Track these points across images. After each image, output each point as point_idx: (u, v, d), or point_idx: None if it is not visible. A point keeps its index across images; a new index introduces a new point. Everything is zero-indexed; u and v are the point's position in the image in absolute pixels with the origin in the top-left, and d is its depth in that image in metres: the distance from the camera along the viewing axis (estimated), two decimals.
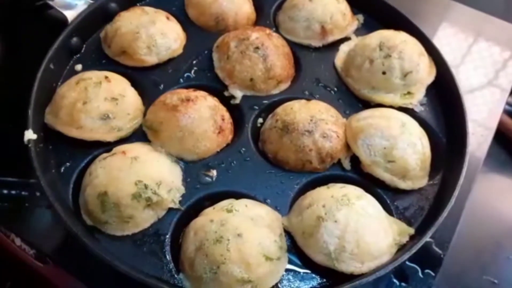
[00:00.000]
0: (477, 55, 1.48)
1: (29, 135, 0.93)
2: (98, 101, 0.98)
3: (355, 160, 1.02)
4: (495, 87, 1.40)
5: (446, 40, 1.50)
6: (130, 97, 1.03)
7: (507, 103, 1.53)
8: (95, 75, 1.03)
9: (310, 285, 0.88)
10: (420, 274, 1.00)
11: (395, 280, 0.99)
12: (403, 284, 0.99)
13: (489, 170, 1.39)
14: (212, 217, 0.86)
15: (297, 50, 1.21)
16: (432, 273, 1.00)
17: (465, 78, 1.40)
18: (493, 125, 1.30)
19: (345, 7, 1.26)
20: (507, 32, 1.54)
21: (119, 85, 1.03)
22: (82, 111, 0.97)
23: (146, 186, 0.88)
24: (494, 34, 1.53)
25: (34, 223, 1.03)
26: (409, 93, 1.11)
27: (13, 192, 1.07)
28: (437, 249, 1.03)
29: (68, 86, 1.01)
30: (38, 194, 1.04)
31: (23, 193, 1.07)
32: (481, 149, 1.25)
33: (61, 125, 0.98)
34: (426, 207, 1.00)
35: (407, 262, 0.99)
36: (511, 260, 1.18)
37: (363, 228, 0.86)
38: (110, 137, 0.99)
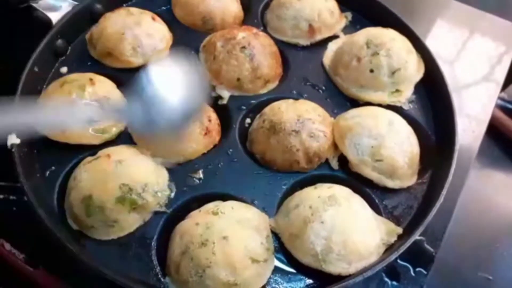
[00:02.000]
0: (471, 51, 1.47)
1: (13, 139, 0.92)
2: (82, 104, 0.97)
3: (343, 160, 1.01)
4: (489, 82, 1.40)
5: (440, 36, 1.50)
6: (115, 99, 1.02)
7: (500, 98, 1.53)
8: (79, 77, 1.01)
9: (298, 287, 0.87)
10: (411, 272, 0.99)
11: (386, 279, 0.98)
12: (394, 283, 0.98)
13: (482, 166, 1.40)
14: (197, 220, 0.85)
15: (285, 49, 1.20)
16: (424, 272, 0.99)
17: (459, 73, 1.39)
18: (486, 119, 1.30)
19: (333, 5, 1.25)
20: (501, 28, 1.54)
21: (104, 87, 1.02)
22: None
23: (131, 189, 0.87)
24: (489, 30, 1.53)
25: (23, 227, 1.02)
26: (397, 90, 1.10)
27: (1, 196, 1.06)
28: (428, 247, 1.03)
29: (53, 89, 1.00)
30: (26, 198, 1.03)
31: (11, 197, 1.06)
32: (474, 144, 1.25)
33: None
34: (415, 206, 0.99)
35: (398, 261, 0.99)
36: (506, 256, 1.19)
37: (350, 229, 0.85)
38: (96, 140, 0.98)
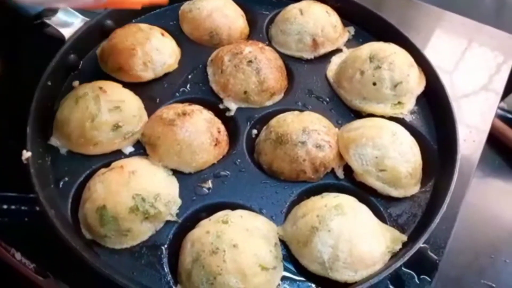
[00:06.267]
0: (470, 61, 1.51)
1: (28, 153, 0.95)
2: (103, 114, 1.00)
3: (348, 169, 1.04)
4: (489, 91, 1.43)
5: (439, 46, 1.53)
6: (130, 100, 1.06)
7: (500, 108, 1.56)
8: (89, 89, 1.04)
9: None
10: (416, 280, 1.01)
11: (391, 286, 0.99)
12: None
13: (484, 175, 1.42)
14: (208, 229, 0.88)
15: (290, 62, 1.24)
16: (428, 279, 1.01)
17: (459, 83, 1.43)
18: (486, 128, 1.32)
19: (336, 20, 1.28)
20: (498, 38, 1.57)
21: (115, 92, 1.05)
22: (93, 128, 0.99)
23: (143, 200, 0.90)
24: (486, 41, 1.57)
25: (34, 237, 1.04)
26: (399, 103, 1.13)
27: (13, 207, 1.09)
28: (432, 254, 1.04)
29: (69, 108, 1.02)
30: (37, 208, 1.05)
31: (22, 207, 1.08)
32: (475, 154, 1.27)
33: (77, 147, 1.01)
34: (419, 214, 1.01)
35: (403, 268, 1.01)
36: (509, 263, 1.20)
37: (356, 237, 0.87)
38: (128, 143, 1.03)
